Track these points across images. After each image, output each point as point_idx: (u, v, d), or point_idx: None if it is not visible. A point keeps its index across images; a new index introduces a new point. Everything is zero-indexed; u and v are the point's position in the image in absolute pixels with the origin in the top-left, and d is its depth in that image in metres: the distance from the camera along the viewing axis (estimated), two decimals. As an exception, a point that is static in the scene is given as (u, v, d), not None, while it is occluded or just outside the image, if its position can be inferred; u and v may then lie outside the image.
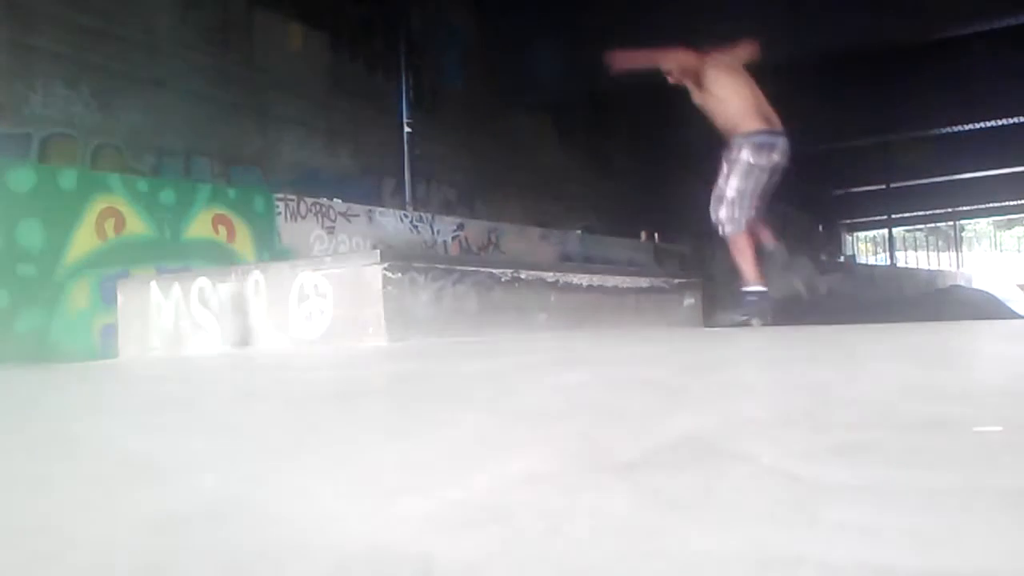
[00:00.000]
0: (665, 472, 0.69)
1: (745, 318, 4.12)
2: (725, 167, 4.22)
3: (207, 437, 1.13)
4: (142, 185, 4.98)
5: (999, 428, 0.80)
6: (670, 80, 4.36)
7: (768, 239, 4.27)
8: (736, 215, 4.13)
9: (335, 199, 6.38)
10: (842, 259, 24.58)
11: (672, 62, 4.29)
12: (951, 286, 19.59)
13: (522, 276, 4.10)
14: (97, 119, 6.52)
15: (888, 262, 24.77)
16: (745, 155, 4.16)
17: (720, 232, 4.21)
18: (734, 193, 4.14)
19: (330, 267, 3.55)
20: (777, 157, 4.21)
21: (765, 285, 4.13)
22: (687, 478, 0.66)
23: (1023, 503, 0.54)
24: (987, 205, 24.27)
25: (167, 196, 5.03)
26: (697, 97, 4.32)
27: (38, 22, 6.21)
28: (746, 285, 4.11)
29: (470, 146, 10.97)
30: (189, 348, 3.94)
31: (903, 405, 1.03)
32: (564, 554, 0.48)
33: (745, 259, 4.12)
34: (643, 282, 4.99)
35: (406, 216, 7.05)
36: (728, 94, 4.23)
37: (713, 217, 4.24)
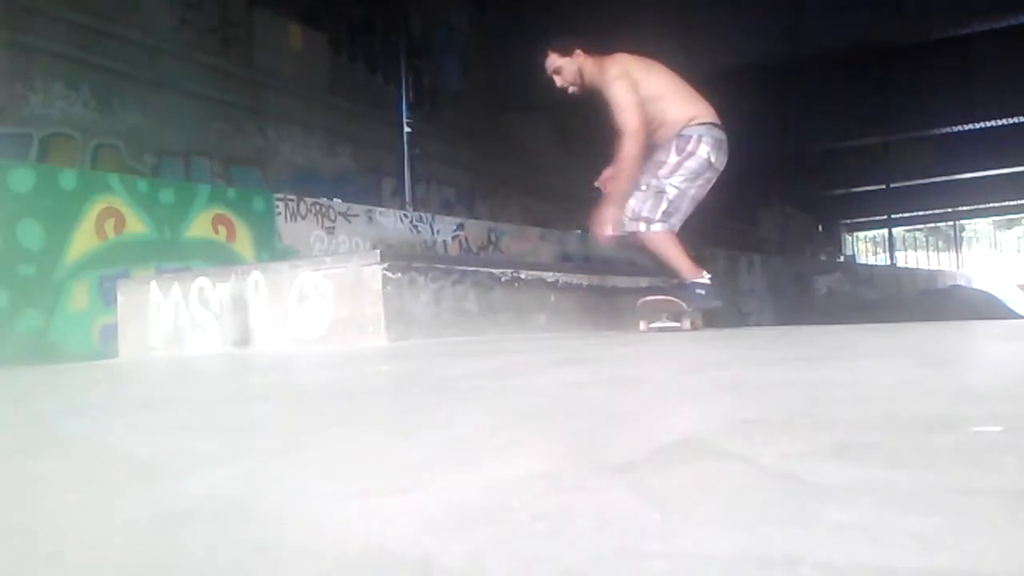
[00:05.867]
0: (665, 472, 0.69)
1: (675, 322, 3.62)
2: (672, 157, 3.57)
3: (206, 437, 1.13)
4: (142, 185, 4.99)
5: (999, 428, 0.80)
6: (561, 81, 3.92)
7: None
8: (670, 214, 3.55)
9: (335, 199, 6.38)
10: (842, 259, 24.60)
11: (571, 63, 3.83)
12: (951, 286, 19.60)
13: (522, 276, 4.10)
14: (97, 119, 6.53)
15: (888, 262, 24.78)
16: (705, 150, 3.57)
17: (640, 228, 3.57)
18: (676, 190, 3.55)
19: (330, 267, 3.55)
20: (724, 160, 3.68)
21: (707, 275, 3.62)
22: (687, 478, 0.66)
23: (1023, 503, 0.54)
24: (987, 205, 24.28)
25: (167, 196, 5.03)
26: (620, 93, 3.62)
27: (38, 22, 6.21)
28: (687, 279, 3.58)
29: (470, 146, 10.97)
30: (189, 348, 3.94)
31: (903, 405, 1.03)
32: (564, 554, 0.48)
33: (677, 253, 3.60)
34: (643, 282, 4.99)
35: (406, 216, 7.05)
36: (664, 87, 3.67)
37: (632, 211, 3.57)
